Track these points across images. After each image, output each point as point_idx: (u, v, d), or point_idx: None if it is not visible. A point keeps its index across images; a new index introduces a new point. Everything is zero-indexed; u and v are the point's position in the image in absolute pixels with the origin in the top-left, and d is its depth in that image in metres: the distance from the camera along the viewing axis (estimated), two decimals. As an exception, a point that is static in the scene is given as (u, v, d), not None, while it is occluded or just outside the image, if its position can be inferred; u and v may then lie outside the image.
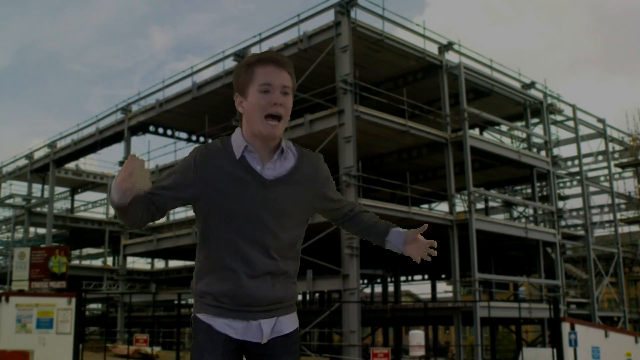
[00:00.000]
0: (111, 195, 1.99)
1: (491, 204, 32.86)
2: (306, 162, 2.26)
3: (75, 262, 43.95)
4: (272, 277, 2.19)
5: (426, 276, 37.95)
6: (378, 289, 39.65)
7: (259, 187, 2.15)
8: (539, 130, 27.22)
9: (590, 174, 33.95)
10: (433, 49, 22.34)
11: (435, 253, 2.34)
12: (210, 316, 2.17)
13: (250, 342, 2.18)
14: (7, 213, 39.02)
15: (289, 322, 2.27)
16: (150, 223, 2.22)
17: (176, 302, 22.66)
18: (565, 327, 11.97)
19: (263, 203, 2.15)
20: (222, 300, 2.16)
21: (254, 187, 2.15)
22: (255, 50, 22.11)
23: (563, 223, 28.95)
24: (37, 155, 34.38)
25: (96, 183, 38.78)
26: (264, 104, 2.10)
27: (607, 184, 32.61)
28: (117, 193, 1.97)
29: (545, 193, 27.74)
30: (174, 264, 37.58)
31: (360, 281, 23.51)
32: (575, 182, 32.38)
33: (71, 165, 35.50)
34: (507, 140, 28.35)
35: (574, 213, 34.60)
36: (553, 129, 28.18)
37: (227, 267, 2.16)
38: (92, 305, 41.88)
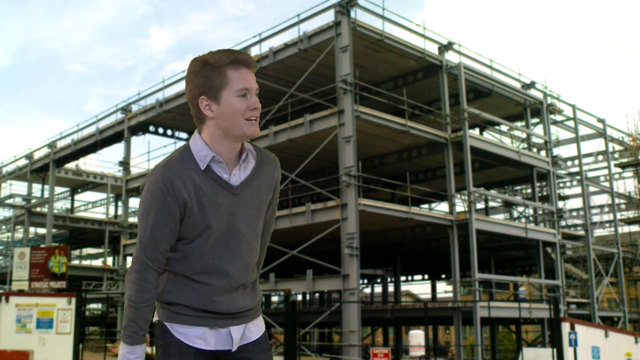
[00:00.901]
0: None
1: (491, 204, 32.86)
2: (265, 161, 2.23)
3: (75, 262, 43.99)
4: (243, 288, 2.21)
5: (426, 276, 37.95)
6: (378, 289, 39.64)
7: (230, 195, 2.12)
8: (539, 130, 27.22)
9: (590, 174, 33.97)
10: (433, 49, 22.35)
11: None
12: (180, 326, 2.14)
13: (221, 351, 2.18)
14: (7, 213, 39.06)
15: (257, 328, 2.27)
16: None
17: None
18: (565, 327, 11.99)
19: (236, 211, 2.13)
20: (191, 311, 2.14)
21: (225, 196, 2.11)
22: (255, 50, 22.10)
23: (563, 223, 28.95)
24: (37, 155, 34.40)
25: (96, 183, 38.77)
26: (244, 108, 2.07)
27: (607, 184, 32.61)
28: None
29: (545, 193, 27.74)
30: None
31: (360, 281, 23.49)
32: (575, 182, 32.39)
33: (71, 165, 35.49)
34: (507, 140, 28.33)
35: (574, 213, 34.64)
36: (553, 129, 28.20)
37: (201, 281, 2.14)
38: (92, 305, 41.89)
